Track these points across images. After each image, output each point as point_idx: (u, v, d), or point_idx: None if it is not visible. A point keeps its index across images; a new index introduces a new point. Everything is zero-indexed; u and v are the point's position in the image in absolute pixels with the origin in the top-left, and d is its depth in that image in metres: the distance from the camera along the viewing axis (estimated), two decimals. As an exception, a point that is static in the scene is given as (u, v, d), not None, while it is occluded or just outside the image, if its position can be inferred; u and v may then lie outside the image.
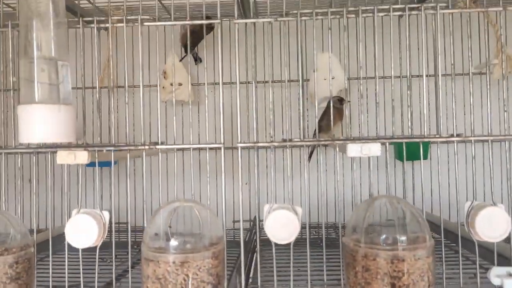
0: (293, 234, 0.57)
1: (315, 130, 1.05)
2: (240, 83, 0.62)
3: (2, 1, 0.65)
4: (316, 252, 0.72)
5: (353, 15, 0.59)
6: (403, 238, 0.54)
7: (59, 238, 0.67)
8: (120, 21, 0.63)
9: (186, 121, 1.15)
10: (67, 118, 0.57)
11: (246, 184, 1.17)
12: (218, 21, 0.60)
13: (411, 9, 0.58)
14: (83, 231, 0.59)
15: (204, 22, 0.62)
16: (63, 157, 0.60)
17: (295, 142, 0.60)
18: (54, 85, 0.56)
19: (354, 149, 0.58)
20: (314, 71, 1.11)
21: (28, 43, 0.56)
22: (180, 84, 1.14)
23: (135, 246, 0.90)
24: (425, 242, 0.54)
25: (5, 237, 0.59)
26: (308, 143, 0.60)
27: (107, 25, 0.63)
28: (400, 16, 0.65)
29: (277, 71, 1.03)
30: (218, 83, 0.62)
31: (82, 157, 0.60)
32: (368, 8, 0.58)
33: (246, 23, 0.63)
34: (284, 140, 0.60)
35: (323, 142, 0.60)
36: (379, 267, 0.52)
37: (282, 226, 0.57)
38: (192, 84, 1.16)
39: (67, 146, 0.61)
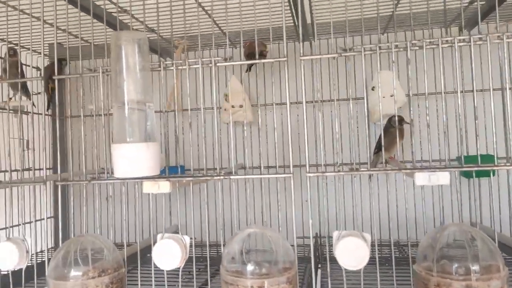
0: (364, 261, 0.59)
1: (375, 148, 1.07)
2: (307, 102, 0.65)
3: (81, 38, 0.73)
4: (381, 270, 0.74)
5: (417, 48, 0.61)
6: (476, 267, 0.54)
7: (142, 252, 0.75)
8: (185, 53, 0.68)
9: (247, 142, 1.22)
10: (154, 154, 0.63)
11: (306, 201, 1.20)
12: (284, 59, 0.64)
13: (476, 39, 0.58)
14: (168, 254, 0.66)
15: (272, 60, 0.66)
16: (149, 187, 0.67)
17: (362, 171, 0.62)
18: (142, 125, 0.63)
19: (422, 178, 0.59)
20: (372, 89, 1.13)
21: (119, 87, 0.64)
22: (240, 106, 1.20)
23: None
24: (499, 272, 0.54)
25: (101, 260, 0.67)
26: (375, 172, 0.62)
27: (172, 63, 0.69)
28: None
29: (334, 94, 1.06)
30: (272, 104, 0.65)
31: (165, 186, 0.67)
32: (432, 40, 0.60)
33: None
34: (351, 169, 0.63)
35: (390, 171, 0.62)
36: (452, 296, 0.53)
37: (352, 253, 0.60)
38: (252, 105, 1.22)
39: (152, 177, 0.68)
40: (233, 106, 1.20)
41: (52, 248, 1.25)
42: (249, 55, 1.11)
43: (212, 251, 1.06)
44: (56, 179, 0.76)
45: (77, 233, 0.73)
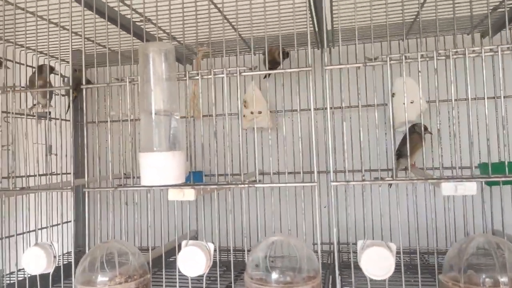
0: (389, 271, 0.59)
1: (396, 154, 1.06)
2: (333, 108, 0.66)
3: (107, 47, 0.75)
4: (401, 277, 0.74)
5: (443, 57, 0.60)
6: (505, 279, 0.54)
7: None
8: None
9: (266, 148, 1.23)
10: (180, 162, 0.64)
11: (324, 207, 1.20)
12: (309, 68, 0.65)
13: (504, 49, 0.58)
14: (192, 261, 0.66)
15: (296, 69, 0.66)
16: (174, 194, 0.68)
17: (387, 180, 0.62)
18: (168, 134, 0.64)
19: (448, 188, 0.59)
20: (392, 96, 1.13)
21: (146, 97, 0.65)
22: (259, 112, 1.21)
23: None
24: (528, 284, 0.54)
25: (127, 266, 0.68)
26: (400, 182, 0.62)
27: (193, 73, 0.70)
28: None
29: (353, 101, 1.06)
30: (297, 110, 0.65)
31: (189, 194, 0.68)
32: (458, 49, 0.60)
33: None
34: (376, 179, 0.63)
35: (415, 181, 0.62)
36: (480, 308, 0.53)
37: (377, 263, 0.60)
38: (270, 111, 1.23)
39: (177, 185, 0.69)
40: (251, 113, 1.21)
41: (70, 252, 1.27)
42: (270, 62, 1.12)
43: (228, 256, 1.07)
44: (82, 185, 0.78)
45: (100, 238, 0.75)
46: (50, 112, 1.04)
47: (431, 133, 0.92)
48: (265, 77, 1.21)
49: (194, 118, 1.13)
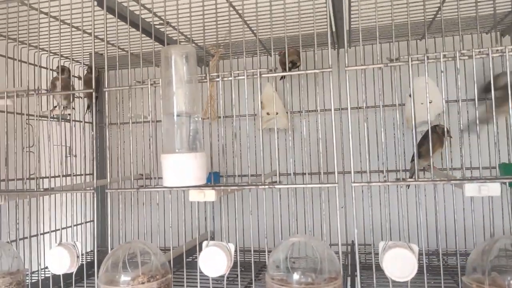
0: (412, 272, 0.59)
1: (413, 155, 1.06)
2: (352, 108, 0.66)
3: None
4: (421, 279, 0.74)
5: (466, 57, 0.60)
6: (531, 281, 0.53)
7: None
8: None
9: (281, 149, 1.23)
10: (201, 164, 0.65)
11: (342, 207, 1.20)
12: (331, 69, 0.65)
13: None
14: (214, 262, 0.67)
15: (317, 70, 0.67)
16: (194, 195, 0.69)
17: (409, 181, 0.62)
18: (190, 135, 0.65)
19: (472, 189, 0.58)
20: (409, 96, 1.12)
21: (168, 99, 0.66)
22: (276, 113, 1.21)
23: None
24: (555, 286, 0.53)
25: (150, 266, 0.69)
26: (422, 183, 0.62)
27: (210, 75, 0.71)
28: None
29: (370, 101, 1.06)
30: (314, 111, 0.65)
31: (210, 195, 0.69)
32: (482, 49, 0.59)
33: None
34: (398, 180, 0.63)
35: (438, 182, 0.62)
36: (506, 310, 0.52)
37: (399, 265, 0.59)
38: (287, 112, 1.23)
39: (198, 186, 0.69)
40: (268, 113, 1.21)
41: (88, 252, 1.29)
42: (289, 63, 1.12)
43: (245, 257, 1.07)
44: (103, 186, 0.79)
45: (123, 238, 0.76)
46: (70, 114, 1.06)
47: (451, 137, 0.91)
48: (281, 78, 1.21)
49: (210, 119, 1.15)
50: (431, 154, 0.64)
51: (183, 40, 1.08)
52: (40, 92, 0.77)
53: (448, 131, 0.89)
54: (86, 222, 1.24)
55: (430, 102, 1.07)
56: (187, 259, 0.96)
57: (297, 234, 0.66)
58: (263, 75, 0.68)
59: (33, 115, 0.80)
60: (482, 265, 0.57)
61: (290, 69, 1.14)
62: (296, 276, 0.62)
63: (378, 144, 0.99)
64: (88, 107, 1.25)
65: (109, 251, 0.71)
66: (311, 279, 0.62)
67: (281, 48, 1.12)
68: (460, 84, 0.63)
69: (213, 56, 1.19)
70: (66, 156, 1.11)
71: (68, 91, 0.91)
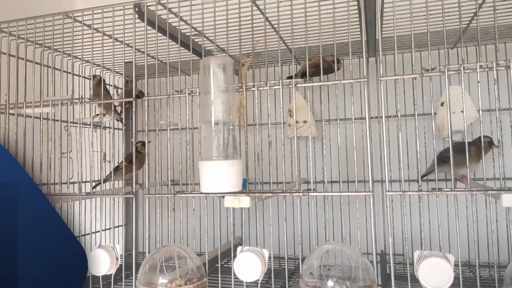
0: (448, 283, 0.59)
1: (439, 158, 1.04)
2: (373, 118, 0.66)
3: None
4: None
5: (503, 68, 0.60)
6: None
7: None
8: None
9: (316, 157, 1.24)
10: (237, 171, 0.67)
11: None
12: (365, 79, 0.66)
13: None
14: (249, 267, 0.69)
15: (352, 80, 0.68)
16: (230, 202, 0.71)
17: (445, 191, 0.62)
18: (227, 143, 0.67)
19: (509, 200, 0.58)
20: (441, 104, 1.11)
21: (206, 108, 0.68)
22: (305, 122, 1.22)
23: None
24: None
25: (187, 269, 0.71)
26: (458, 193, 0.62)
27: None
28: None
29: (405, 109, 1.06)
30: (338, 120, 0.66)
31: (245, 201, 0.70)
32: (520, 60, 0.59)
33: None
34: (433, 189, 0.63)
35: (475, 191, 0.61)
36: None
37: (435, 275, 0.59)
38: (316, 120, 1.25)
39: (233, 192, 0.71)
40: (297, 122, 1.22)
41: (127, 254, 1.33)
42: (315, 73, 1.13)
43: (272, 263, 1.08)
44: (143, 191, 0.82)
45: (160, 242, 0.79)
46: (109, 121, 1.11)
47: (497, 147, 0.90)
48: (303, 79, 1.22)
49: (239, 127, 1.17)
50: (467, 164, 0.63)
51: (214, 50, 1.11)
52: (84, 100, 0.81)
53: (492, 142, 0.88)
54: (115, 227, 1.28)
55: (461, 112, 1.07)
56: (220, 264, 0.98)
57: (332, 242, 0.67)
58: (298, 85, 0.69)
59: (76, 123, 0.84)
60: (521, 277, 0.56)
61: (311, 76, 1.15)
62: (330, 283, 0.63)
63: (409, 152, 0.99)
64: (119, 114, 1.29)
65: (147, 254, 0.74)
66: (346, 287, 0.62)
67: (310, 55, 1.14)
68: (496, 94, 0.62)
69: (243, 65, 1.22)
70: (101, 162, 1.15)
71: (110, 100, 0.95)
